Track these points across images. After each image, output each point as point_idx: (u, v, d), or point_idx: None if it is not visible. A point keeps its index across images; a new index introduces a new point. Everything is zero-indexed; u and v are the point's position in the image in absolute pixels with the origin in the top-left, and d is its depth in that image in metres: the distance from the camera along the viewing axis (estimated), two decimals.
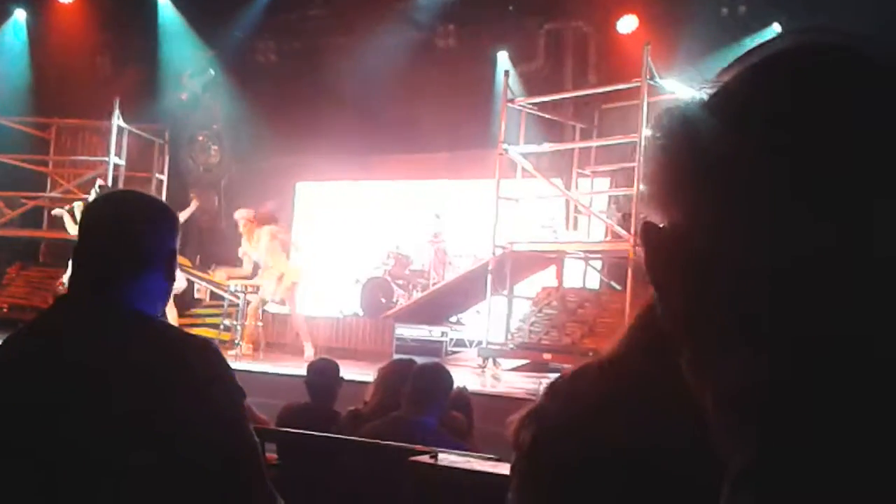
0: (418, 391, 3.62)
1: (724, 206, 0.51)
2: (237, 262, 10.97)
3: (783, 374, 0.49)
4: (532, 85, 11.30)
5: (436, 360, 4.56)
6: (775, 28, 9.45)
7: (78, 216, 10.49)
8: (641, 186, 0.59)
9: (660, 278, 0.56)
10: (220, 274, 11.06)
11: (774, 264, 0.49)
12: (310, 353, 9.45)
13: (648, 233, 0.56)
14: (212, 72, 13.63)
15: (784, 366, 0.49)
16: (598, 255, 10.37)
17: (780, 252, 0.48)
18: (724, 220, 0.51)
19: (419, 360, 4.42)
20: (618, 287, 9.76)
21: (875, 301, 0.47)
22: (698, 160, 0.53)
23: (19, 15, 13.42)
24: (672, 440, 0.62)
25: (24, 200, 12.92)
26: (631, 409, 0.67)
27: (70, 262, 1.75)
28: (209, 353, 1.63)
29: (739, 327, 0.50)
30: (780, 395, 0.49)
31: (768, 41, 0.54)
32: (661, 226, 0.55)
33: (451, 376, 3.91)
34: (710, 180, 0.52)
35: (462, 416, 4.06)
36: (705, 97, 0.54)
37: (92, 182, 12.40)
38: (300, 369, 5.76)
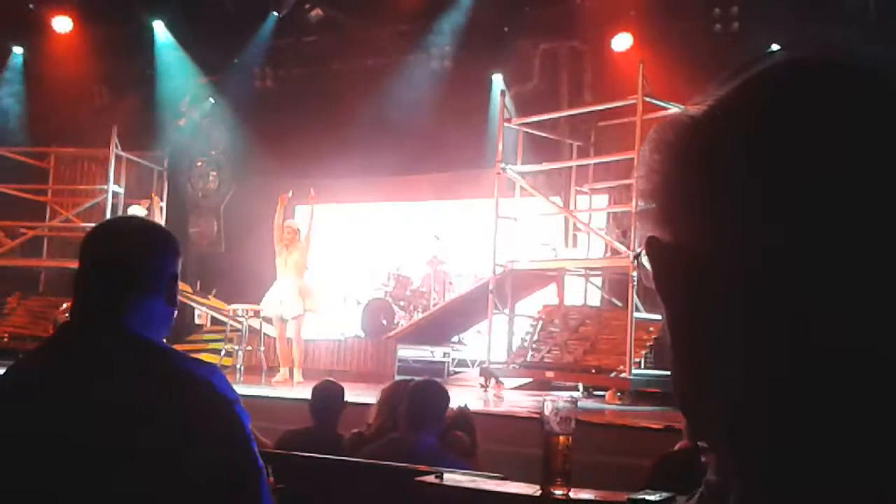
0: (414, 410, 3.61)
1: (719, 220, 0.51)
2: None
3: (782, 384, 0.49)
4: (528, 104, 11.35)
5: (429, 377, 4.54)
6: (773, 47, 9.50)
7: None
8: (640, 203, 0.59)
9: (666, 292, 0.56)
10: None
11: (767, 274, 0.49)
12: (299, 380, 9.51)
13: (653, 248, 0.56)
14: (211, 100, 13.70)
15: (783, 375, 0.49)
16: (599, 272, 10.37)
17: (772, 262, 0.49)
18: (720, 234, 0.51)
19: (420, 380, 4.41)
20: (619, 303, 9.76)
21: (867, 308, 0.48)
22: (696, 176, 0.53)
23: (17, 48, 13.50)
24: None
25: (23, 230, 12.94)
26: None
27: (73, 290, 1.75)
28: (215, 377, 1.63)
29: (739, 337, 0.51)
30: (779, 407, 0.49)
31: (759, 57, 0.55)
32: (663, 241, 0.56)
33: (446, 392, 3.91)
34: (707, 196, 0.52)
35: (466, 436, 4.05)
36: (699, 113, 0.55)
37: (89, 212, 12.44)
38: (304, 393, 5.75)
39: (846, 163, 0.49)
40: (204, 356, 9.98)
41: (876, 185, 0.48)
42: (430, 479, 2.86)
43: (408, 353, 11.00)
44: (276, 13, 12.32)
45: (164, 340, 1.77)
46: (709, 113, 0.54)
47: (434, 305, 11.49)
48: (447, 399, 3.87)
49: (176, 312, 1.77)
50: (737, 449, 0.51)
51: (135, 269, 1.70)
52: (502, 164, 10.13)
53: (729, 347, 0.51)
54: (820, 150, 0.49)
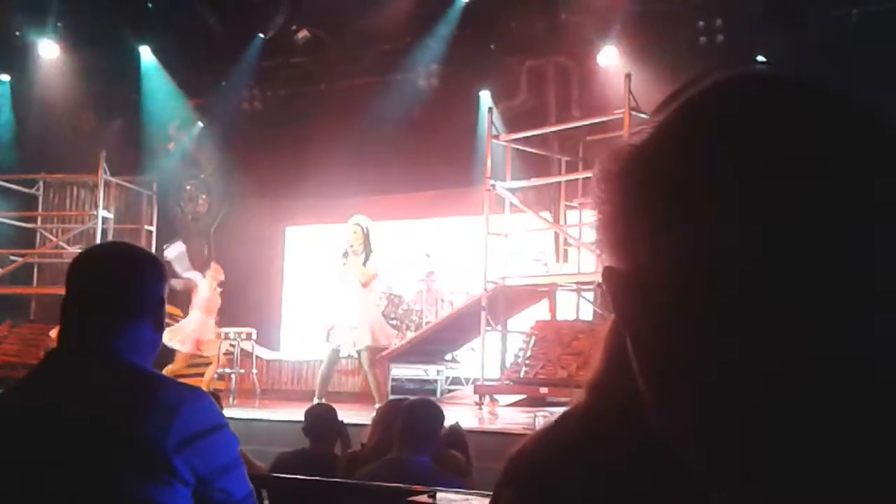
0: (408, 430, 3.60)
1: (679, 242, 0.51)
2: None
3: (761, 403, 0.49)
4: (516, 120, 11.39)
5: (422, 396, 4.53)
6: (759, 59, 9.56)
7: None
8: (593, 232, 0.59)
9: (630, 320, 0.56)
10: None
11: (735, 295, 0.49)
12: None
13: (611, 278, 0.56)
14: (199, 123, 13.71)
15: (760, 395, 0.49)
16: (590, 286, 10.38)
17: (737, 281, 0.49)
18: (683, 256, 0.51)
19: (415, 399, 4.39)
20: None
21: (843, 326, 0.47)
22: (644, 201, 0.53)
23: (4, 75, 13.50)
24: (633, 485, 0.61)
25: (13, 257, 12.89)
26: (593, 459, 0.64)
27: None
28: (203, 403, 1.63)
29: (714, 359, 0.50)
30: (756, 428, 0.49)
31: (696, 77, 0.55)
32: (620, 269, 0.55)
33: (440, 411, 3.90)
34: (663, 219, 0.52)
35: (460, 455, 4.04)
36: (640, 140, 0.55)
37: (79, 238, 12.40)
38: (297, 415, 5.72)
39: (796, 173, 0.48)
40: (196, 381, 9.97)
41: (825, 190, 0.48)
42: (423, 498, 2.85)
43: (401, 372, 10.98)
44: (261, 35, 12.34)
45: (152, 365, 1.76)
46: (650, 139, 0.54)
47: (426, 324, 11.47)
48: (441, 418, 3.86)
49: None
50: (722, 463, 0.51)
51: (121, 294, 1.69)
52: (491, 181, 10.16)
53: (701, 365, 0.51)
54: (768, 159, 0.49)
